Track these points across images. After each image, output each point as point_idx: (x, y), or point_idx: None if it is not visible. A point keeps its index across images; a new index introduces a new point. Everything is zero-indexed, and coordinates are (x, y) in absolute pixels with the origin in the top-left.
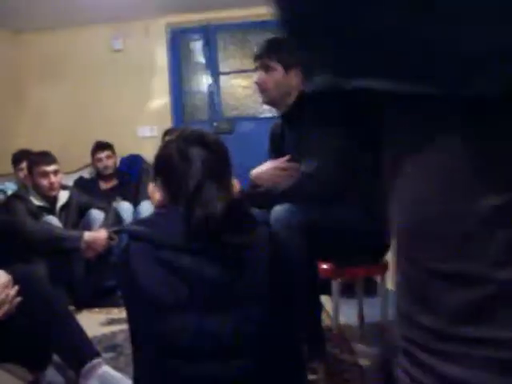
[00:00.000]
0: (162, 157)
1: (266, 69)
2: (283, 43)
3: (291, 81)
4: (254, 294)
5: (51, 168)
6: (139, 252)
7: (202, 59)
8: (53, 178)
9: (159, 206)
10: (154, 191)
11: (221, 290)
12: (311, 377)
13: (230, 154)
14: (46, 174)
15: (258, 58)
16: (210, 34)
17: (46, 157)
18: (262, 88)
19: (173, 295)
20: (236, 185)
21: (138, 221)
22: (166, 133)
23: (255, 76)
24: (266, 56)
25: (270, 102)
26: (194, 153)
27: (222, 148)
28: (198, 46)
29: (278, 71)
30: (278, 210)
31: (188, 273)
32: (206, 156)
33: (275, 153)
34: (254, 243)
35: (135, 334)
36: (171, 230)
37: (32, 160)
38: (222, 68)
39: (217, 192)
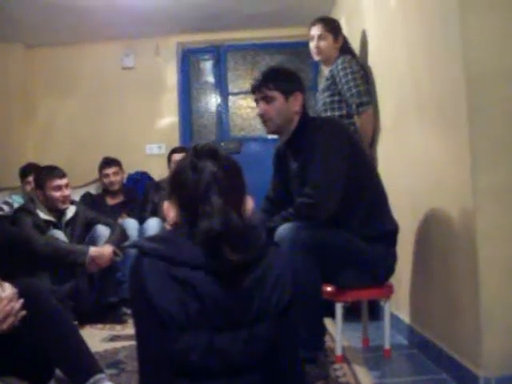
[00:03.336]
0: (176, 171)
1: (267, 99)
2: (279, 71)
3: (292, 106)
4: (263, 312)
5: (64, 181)
6: (151, 268)
7: (211, 79)
8: (65, 191)
9: (173, 225)
10: (169, 209)
11: (231, 308)
12: None
13: (242, 171)
14: (59, 187)
15: (256, 89)
16: (220, 54)
17: (57, 170)
18: (265, 118)
19: (184, 312)
20: (250, 202)
21: (148, 238)
22: (173, 151)
23: (257, 108)
24: (265, 86)
25: (275, 131)
26: (205, 166)
27: (233, 164)
28: (208, 65)
29: (278, 99)
30: (283, 228)
31: (199, 290)
32: (216, 170)
33: (280, 175)
34: (264, 262)
35: (143, 350)
36: (183, 247)
37: (43, 173)
38: (231, 88)
39: (222, 206)
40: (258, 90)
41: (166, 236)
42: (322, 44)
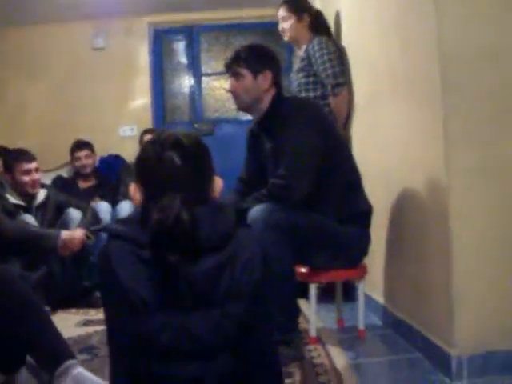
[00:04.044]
0: (141, 159)
1: (236, 76)
2: (251, 49)
3: (261, 85)
4: (235, 293)
5: (33, 165)
6: (120, 251)
7: (184, 60)
8: (35, 175)
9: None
10: (136, 191)
11: (203, 289)
12: (287, 380)
13: (209, 155)
14: (28, 172)
15: (227, 66)
16: (193, 34)
17: (27, 154)
18: (234, 95)
19: (155, 295)
20: (219, 183)
21: (118, 220)
22: (145, 132)
23: (227, 84)
24: (235, 63)
25: (244, 108)
26: (168, 157)
27: (199, 151)
28: (180, 46)
29: (247, 77)
30: (256, 209)
31: (168, 272)
32: (178, 162)
33: (253, 156)
34: (234, 242)
35: (113, 334)
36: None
37: (12, 157)
38: (205, 69)
39: (178, 203)
40: (230, 66)
41: (132, 218)
42: (285, 25)
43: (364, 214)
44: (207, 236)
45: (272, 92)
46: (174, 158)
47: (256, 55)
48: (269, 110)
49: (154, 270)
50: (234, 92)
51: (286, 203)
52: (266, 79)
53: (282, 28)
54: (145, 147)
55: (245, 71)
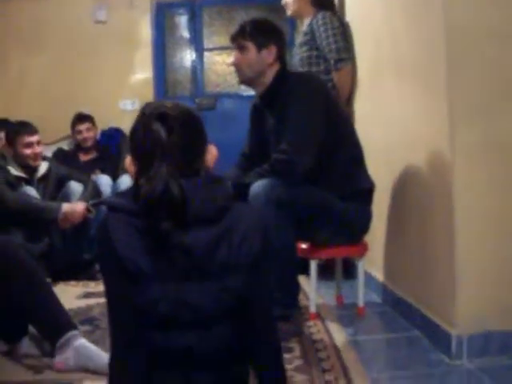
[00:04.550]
0: (132, 131)
1: (241, 49)
2: (257, 23)
3: (265, 59)
4: (232, 265)
5: (35, 138)
6: (117, 222)
7: (186, 34)
8: (37, 148)
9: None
10: (131, 164)
11: (199, 259)
12: (287, 355)
13: (199, 126)
14: (30, 145)
15: (233, 39)
16: (195, 9)
17: (29, 127)
18: (237, 68)
19: (152, 264)
20: (213, 151)
21: (117, 193)
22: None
23: (231, 58)
24: (240, 36)
25: (246, 81)
26: (153, 129)
27: (188, 121)
28: (183, 20)
29: (251, 50)
30: (258, 185)
31: (167, 242)
32: (164, 134)
33: (256, 131)
34: (231, 214)
35: (112, 304)
36: None
37: (14, 130)
38: (207, 44)
39: (165, 173)
40: (235, 39)
41: (129, 190)
42: None
43: (366, 191)
44: (200, 207)
45: (276, 67)
46: (159, 129)
47: (261, 29)
48: (272, 85)
49: (150, 240)
50: (237, 64)
51: (288, 178)
52: (270, 53)
53: (285, 2)
54: (135, 119)
55: (249, 44)
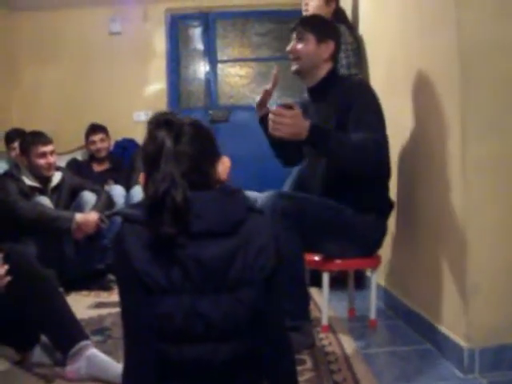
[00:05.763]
0: (143, 141)
1: (300, 38)
2: (319, 18)
3: (322, 53)
4: (247, 278)
5: (49, 148)
6: (133, 233)
7: (200, 46)
8: (50, 159)
9: None
10: (143, 176)
11: (214, 272)
12: (298, 367)
13: (209, 138)
14: (43, 155)
15: (293, 29)
16: (209, 21)
17: (43, 137)
18: (293, 56)
19: (166, 276)
20: (226, 163)
21: (131, 204)
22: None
23: (288, 45)
24: (301, 26)
25: (300, 71)
26: (159, 135)
27: (194, 130)
28: (196, 32)
29: (311, 42)
30: (265, 195)
31: (182, 254)
32: (169, 139)
33: None
34: (246, 227)
35: (127, 317)
36: None
37: (28, 140)
38: (220, 56)
39: (170, 172)
40: (296, 28)
41: (143, 202)
42: (313, 3)
43: (385, 207)
44: (214, 220)
45: (329, 64)
46: (164, 135)
47: (323, 25)
48: (324, 80)
49: (164, 252)
50: (293, 53)
51: (374, 156)
52: (328, 49)
53: (307, 5)
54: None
55: (310, 36)
